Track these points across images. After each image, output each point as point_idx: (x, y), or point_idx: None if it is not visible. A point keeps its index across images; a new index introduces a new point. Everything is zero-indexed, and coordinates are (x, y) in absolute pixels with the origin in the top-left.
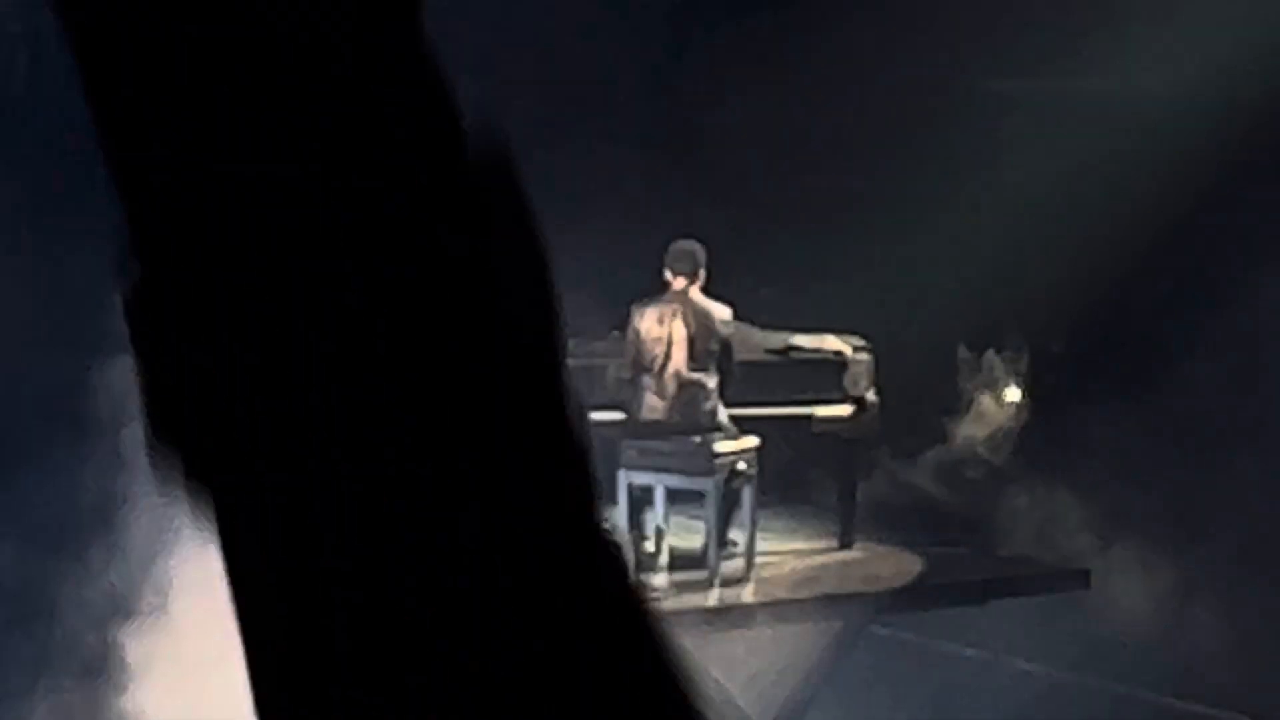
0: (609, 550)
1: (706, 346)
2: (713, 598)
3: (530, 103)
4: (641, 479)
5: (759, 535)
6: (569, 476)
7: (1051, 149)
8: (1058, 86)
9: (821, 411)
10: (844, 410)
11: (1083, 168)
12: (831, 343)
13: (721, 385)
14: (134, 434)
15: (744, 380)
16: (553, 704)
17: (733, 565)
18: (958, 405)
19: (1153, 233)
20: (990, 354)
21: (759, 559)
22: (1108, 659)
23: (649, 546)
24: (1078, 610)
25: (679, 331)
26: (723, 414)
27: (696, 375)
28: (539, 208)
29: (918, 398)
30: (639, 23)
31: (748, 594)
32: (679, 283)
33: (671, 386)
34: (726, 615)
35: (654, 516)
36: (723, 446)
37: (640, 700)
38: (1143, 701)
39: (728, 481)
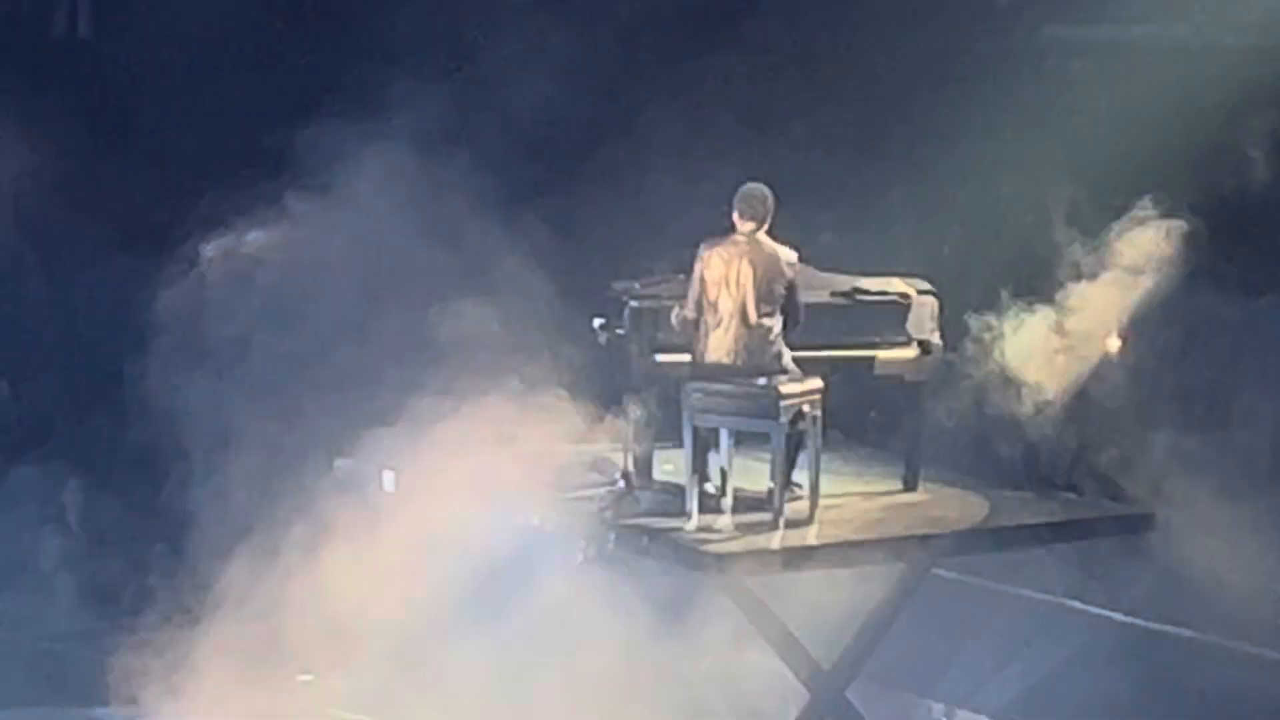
0: None
1: (772, 289)
2: (777, 540)
3: (606, 46)
4: (706, 421)
5: (823, 477)
6: None
7: (1117, 95)
8: (1122, 32)
9: (885, 354)
10: (908, 353)
11: (1148, 114)
12: (896, 285)
13: (786, 328)
14: None
15: (808, 323)
16: None
17: (797, 507)
18: (1020, 347)
19: (1217, 181)
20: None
21: (823, 501)
22: (1174, 602)
23: (712, 488)
24: (1144, 553)
25: (745, 274)
26: (787, 356)
27: (762, 318)
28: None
29: (980, 340)
30: None
31: (812, 536)
32: (746, 225)
33: (737, 329)
34: (791, 557)
35: (719, 458)
36: (787, 389)
37: None
38: (1210, 645)
39: (792, 424)
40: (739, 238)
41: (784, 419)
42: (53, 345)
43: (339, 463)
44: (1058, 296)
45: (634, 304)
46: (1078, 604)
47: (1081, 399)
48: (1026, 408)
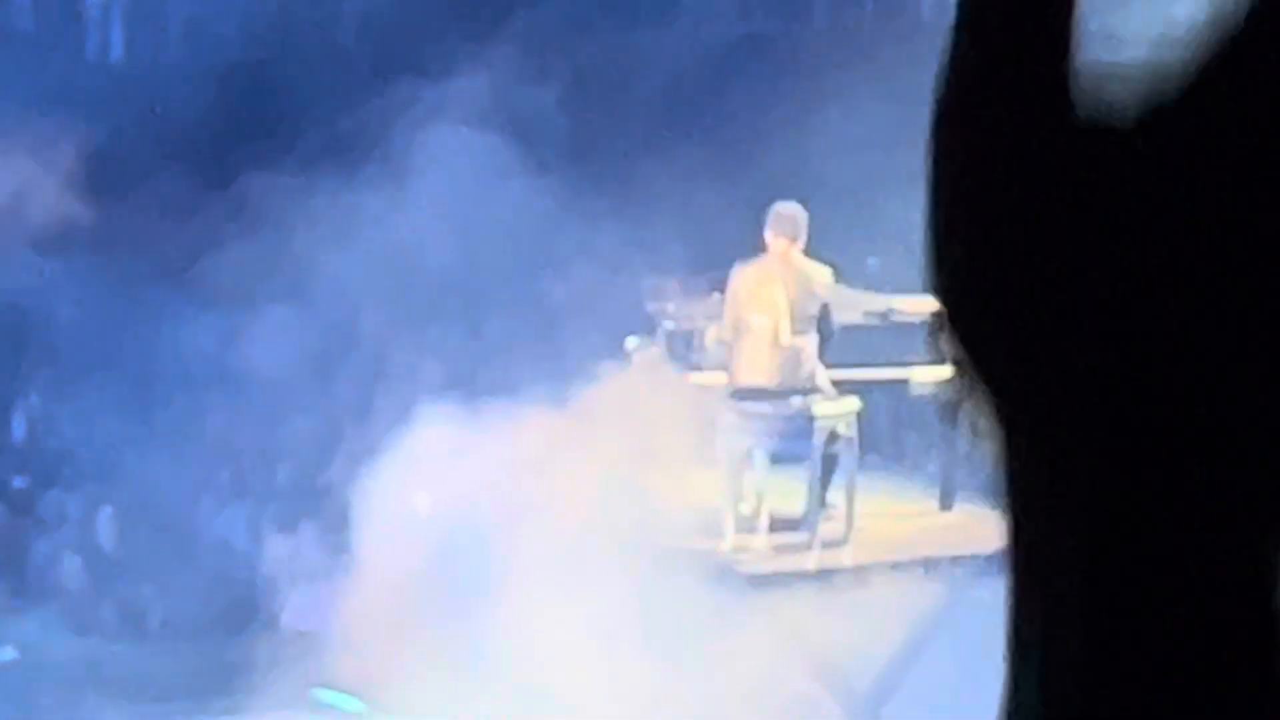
0: None
1: (806, 309)
2: (812, 561)
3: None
4: (741, 441)
5: (858, 498)
6: None
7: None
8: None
9: (920, 374)
10: (943, 373)
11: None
12: (931, 305)
13: (820, 347)
14: None
15: (843, 342)
16: None
17: (832, 528)
18: None
19: None
20: None
21: (858, 522)
22: None
23: (746, 509)
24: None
25: (779, 294)
26: (822, 376)
27: (796, 338)
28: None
29: None
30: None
31: (847, 557)
32: (780, 245)
33: (771, 349)
34: (826, 578)
35: (753, 479)
36: (822, 409)
37: None
38: None
39: (827, 444)
40: (772, 258)
41: (818, 439)
42: (85, 369)
43: None
44: None
45: (668, 324)
46: None
47: None
48: None
